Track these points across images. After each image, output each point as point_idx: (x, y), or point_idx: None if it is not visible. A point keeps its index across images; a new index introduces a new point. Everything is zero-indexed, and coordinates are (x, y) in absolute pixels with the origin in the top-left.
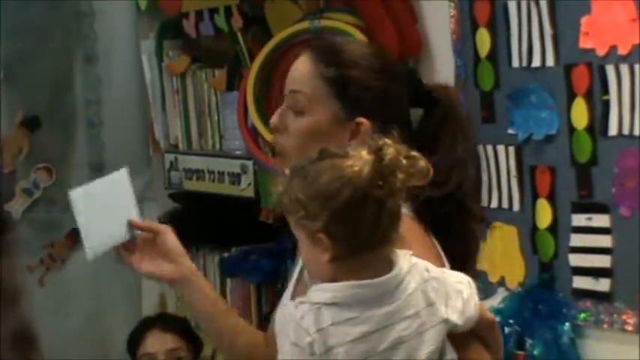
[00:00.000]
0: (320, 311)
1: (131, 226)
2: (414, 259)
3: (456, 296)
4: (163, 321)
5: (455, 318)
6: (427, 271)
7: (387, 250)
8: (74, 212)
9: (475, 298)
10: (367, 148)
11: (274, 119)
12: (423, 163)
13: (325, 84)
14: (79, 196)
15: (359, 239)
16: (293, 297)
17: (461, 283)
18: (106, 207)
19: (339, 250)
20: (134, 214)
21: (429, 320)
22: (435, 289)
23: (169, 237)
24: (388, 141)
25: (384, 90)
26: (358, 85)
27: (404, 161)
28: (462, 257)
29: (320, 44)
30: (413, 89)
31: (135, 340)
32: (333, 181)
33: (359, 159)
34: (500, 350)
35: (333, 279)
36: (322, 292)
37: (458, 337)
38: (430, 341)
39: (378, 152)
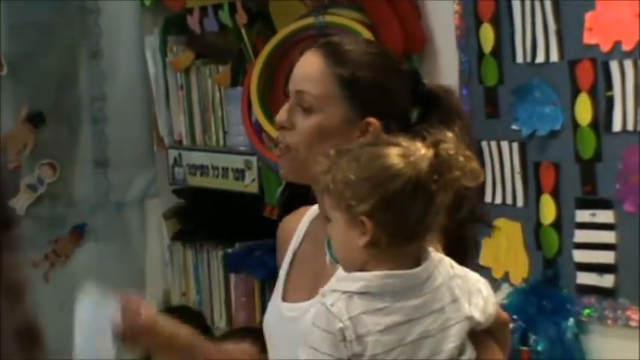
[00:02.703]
0: (351, 299)
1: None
2: (440, 255)
3: (477, 294)
4: (183, 313)
5: (477, 315)
6: (452, 267)
7: (420, 244)
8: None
9: (493, 297)
10: (422, 140)
11: (281, 116)
12: (476, 164)
13: (337, 83)
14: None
15: (402, 229)
16: (284, 298)
17: (479, 281)
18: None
19: (379, 237)
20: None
21: (453, 316)
22: (459, 285)
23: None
24: (449, 135)
25: (391, 89)
26: (369, 85)
27: (461, 159)
28: (459, 255)
29: (327, 43)
30: (414, 88)
31: None
32: (389, 167)
33: (417, 149)
34: (508, 348)
35: (362, 265)
36: (352, 281)
37: (476, 335)
38: (453, 337)
39: (437, 146)
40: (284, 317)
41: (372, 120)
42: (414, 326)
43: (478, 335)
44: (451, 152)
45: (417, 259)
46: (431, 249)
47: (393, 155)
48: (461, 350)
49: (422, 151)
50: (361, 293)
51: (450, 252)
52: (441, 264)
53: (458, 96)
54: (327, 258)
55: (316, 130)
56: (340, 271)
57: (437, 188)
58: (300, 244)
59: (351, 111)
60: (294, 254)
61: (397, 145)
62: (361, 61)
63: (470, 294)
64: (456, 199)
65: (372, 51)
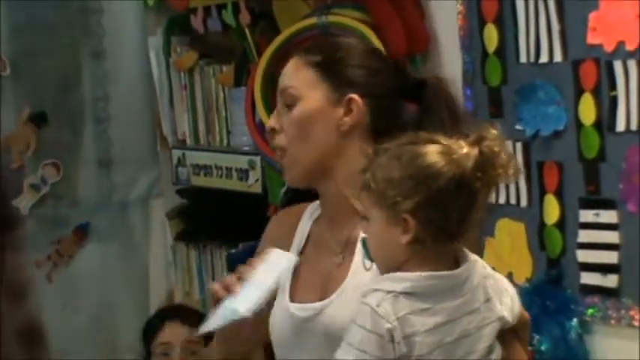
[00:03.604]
0: (397, 300)
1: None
2: (474, 255)
3: (505, 294)
4: (184, 313)
5: (507, 315)
6: (484, 267)
7: (459, 243)
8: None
9: (517, 296)
10: (465, 136)
11: (271, 122)
12: (516, 161)
13: (312, 69)
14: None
15: (445, 227)
16: (292, 298)
17: (503, 280)
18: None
19: (423, 235)
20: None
21: (487, 316)
22: (492, 285)
23: None
24: (492, 132)
25: (370, 67)
26: (344, 64)
27: (504, 156)
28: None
29: (305, 45)
30: (401, 80)
31: (152, 329)
32: (430, 165)
33: (460, 147)
34: (527, 348)
35: (401, 264)
36: (396, 281)
37: (503, 335)
38: (487, 337)
39: (480, 143)
40: (295, 317)
41: (353, 96)
42: (454, 327)
43: (505, 335)
44: (495, 149)
45: (455, 257)
46: (465, 249)
47: (434, 153)
48: (490, 349)
49: (465, 149)
50: (407, 293)
51: None
52: (476, 264)
53: (447, 83)
54: (361, 258)
55: (299, 119)
56: (367, 273)
57: (480, 186)
58: (305, 246)
59: (331, 91)
60: (299, 255)
61: (437, 142)
62: (332, 44)
63: (500, 294)
64: None
65: (350, 40)
